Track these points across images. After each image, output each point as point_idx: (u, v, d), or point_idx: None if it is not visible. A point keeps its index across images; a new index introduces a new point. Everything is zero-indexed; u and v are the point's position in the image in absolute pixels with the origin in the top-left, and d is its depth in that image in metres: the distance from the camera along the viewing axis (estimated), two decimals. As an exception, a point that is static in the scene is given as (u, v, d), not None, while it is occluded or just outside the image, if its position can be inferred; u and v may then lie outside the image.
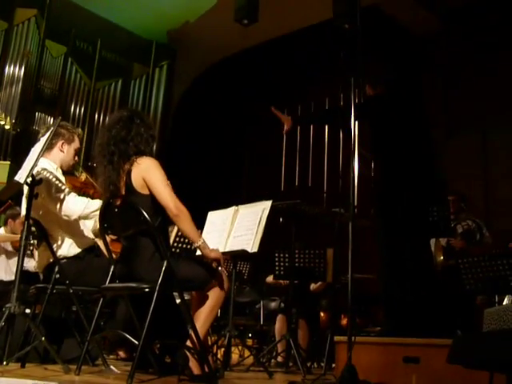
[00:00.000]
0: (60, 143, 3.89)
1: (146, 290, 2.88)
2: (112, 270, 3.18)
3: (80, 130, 4.23)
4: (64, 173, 3.94)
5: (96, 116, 10.93)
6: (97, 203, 3.63)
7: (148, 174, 3.11)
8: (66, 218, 3.67)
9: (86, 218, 3.71)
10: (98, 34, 10.94)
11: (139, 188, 3.12)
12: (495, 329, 1.92)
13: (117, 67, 11.30)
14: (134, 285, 3.00)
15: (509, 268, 4.62)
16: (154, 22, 11.21)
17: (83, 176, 4.60)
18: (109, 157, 3.19)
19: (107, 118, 10.73)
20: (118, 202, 3.16)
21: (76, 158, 4.01)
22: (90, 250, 3.77)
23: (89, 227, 3.82)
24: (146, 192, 3.12)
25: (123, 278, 3.14)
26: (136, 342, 2.83)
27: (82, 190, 4.63)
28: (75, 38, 10.79)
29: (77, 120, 10.58)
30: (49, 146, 3.73)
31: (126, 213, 3.05)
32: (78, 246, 3.72)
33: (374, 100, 4.37)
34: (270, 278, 6.34)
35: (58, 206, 3.65)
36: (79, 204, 3.68)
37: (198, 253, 4.12)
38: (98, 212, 3.48)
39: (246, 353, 6.45)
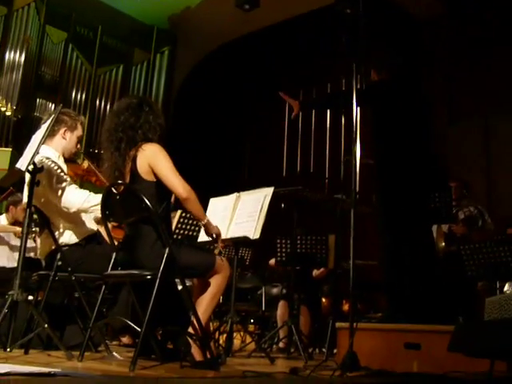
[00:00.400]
0: (62, 130, 3.87)
1: (148, 277, 2.89)
2: (114, 257, 3.19)
3: (83, 117, 4.21)
4: (66, 160, 3.93)
5: (97, 102, 10.90)
6: (97, 198, 3.61)
7: (154, 160, 3.11)
8: (65, 209, 3.67)
9: (85, 211, 3.71)
10: (98, 20, 10.87)
11: (144, 174, 3.12)
12: (496, 318, 1.92)
13: (118, 53, 11.25)
14: (135, 272, 3.01)
15: (510, 254, 4.64)
16: (155, 7, 11.14)
17: (85, 164, 4.59)
18: (116, 143, 3.19)
19: (109, 105, 10.73)
20: (121, 189, 3.16)
21: (78, 146, 3.99)
22: (91, 238, 3.78)
23: (90, 216, 3.82)
24: (151, 179, 3.12)
25: (125, 265, 3.14)
26: (138, 329, 2.85)
27: (85, 178, 4.63)
28: (76, 24, 10.72)
29: (78, 106, 10.54)
30: (51, 133, 3.72)
31: (128, 200, 3.05)
32: (77, 236, 3.72)
33: (377, 86, 4.35)
34: (272, 261, 6.36)
35: (58, 196, 3.65)
36: (79, 197, 3.67)
37: (200, 239, 4.16)
38: (98, 206, 3.48)
39: (248, 339, 6.47)
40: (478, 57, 9.43)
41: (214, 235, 3.23)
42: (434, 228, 5.29)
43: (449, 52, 9.81)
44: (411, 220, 4.04)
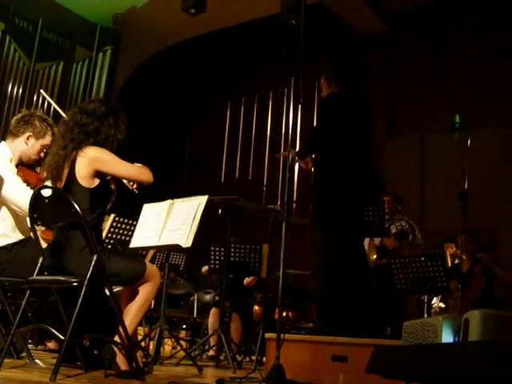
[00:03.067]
0: (27, 135, 3.72)
1: (75, 284, 2.82)
2: (41, 261, 3.09)
3: (56, 128, 3.99)
4: (24, 164, 3.77)
5: (35, 98, 10.59)
6: None
7: (101, 162, 3.05)
8: (17, 209, 3.55)
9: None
10: (39, 13, 10.55)
11: (81, 179, 3.05)
12: (411, 343, 1.97)
13: (59, 49, 10.96)
14: (62, 278, 2.93)
15: (438, 269, 4.77)
16: (99, 4, 10.94)
17: (44, 174, 4.43)
18: (67, 142, 3.10)
19: (47, 101, 10.43)
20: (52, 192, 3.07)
21: (42, 155, 3.79)
22: (18, 242, 3.65)
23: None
24: (88, 184, 3.05)
25: (52, 270, 3.06)
26: (61, 337, 2.77)
27: (38, 186, 4.46)
28: (14, 15, 10.37)
29: (14, 101, 10.22)
30: (15, 133, 3.61)
31: (57, 204, 2.97)
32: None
33: (319, 135, 4.31)
34: (205, 269, 6.34)
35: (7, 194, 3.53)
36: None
37: (131, 245, 4.10)
38: None
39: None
40: (415, 74, 9.71)
41: None
42: (366, 241, 5.39)
43: (388, 68, 10.06)
44: (346, 232, 4.08)
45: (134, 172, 3.11)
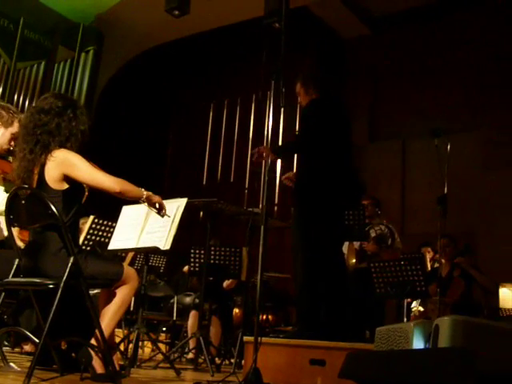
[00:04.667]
0: None
1: (50, 286, 2.80)
2: (17, 263, 3.06)
3: (22, 115, 3.97)
4: None
5: (15, 97, 10.47)
6: None
7: (69, 167, 3.00)
8: None
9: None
10: (20, 12, 10.42)
11: (51, 182, 3.01)
12: (383, 348, 1.98)
13: (40, 48, 10.84)
14: (37, 280, 2.89)
15: (417, 273, 4.80)
16: (82, 3, 10.86)
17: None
18: (32, 145, 3.05)
19: (28, 101, 10.33)
20: (28, 193, 3.04)
21: (12, 143, 3.76)
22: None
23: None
24: (59, 187, 3.01)
25: (28, 272, 3.02)
26: (37, 340, 2.74)
27: (8, 176, 4.42)
28: (-5, 14, 10.27)
29: (-6, 100, 10.12)
30: None
31: (33, 205, 2.94)
32: None
33: (305, 140, 4.32)
34: (186, 268, 6.32)
35: None
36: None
37: (110, 247, 4.07)
38: None
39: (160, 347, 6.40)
40: (397, 79, 9.78)
41: (157, 205, 3.21)
42: (346, 244, 5.41)
43: (372, 72, 10.12)
44: (326, 236, 4.09)
45: (100, 180, 3.01)
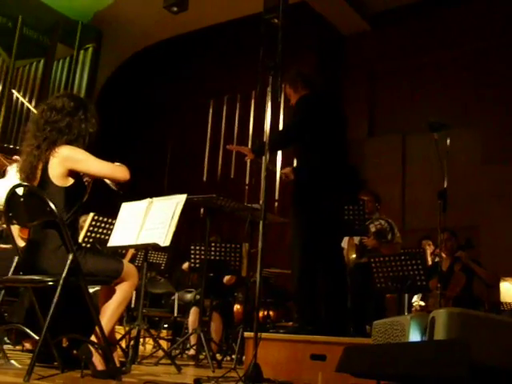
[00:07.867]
0: None
1: (50, 283, 2.80)
2: (16, 260, 3.07)
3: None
4: None
5: (14, 95, 10.48)
6: None
7: (74, 162, 3.03)
8: None
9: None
10: (19, 10, 10.42)
11: (55, 179, 3.03)
12: (381, 341, 1.98)
13: (39, 46, 10.84)
14: (37, 277, 2.90)
15: (417, 268, 4.80)
16: (81, 2, 10.85)
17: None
18: (40, 141, 3.07)
19: (27, 99, 10.33)
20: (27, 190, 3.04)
21: None
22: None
23: None
24: (62, 184, 3.03)
25: (28, 269, 3.03)
26: (37, 337, 2.75)
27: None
28: (-7, 11, 10.26)
29: (-6, 98, 10.12)
30: None
31: (33, 202, 2.94)
32: None
33: (291, 129, 4.32)
34: (185, 265, 6.32)
35: None
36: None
37: (109, 244, 4.07)
38: None
39: (162, 343, 6.41)
40: (397, 74, 9.76)
41: None
42: (346, 239, 5.41)
43: (371, 67, 10.10)
44: (325, 231, 4.09)
45: (108, 170, 3.08)
